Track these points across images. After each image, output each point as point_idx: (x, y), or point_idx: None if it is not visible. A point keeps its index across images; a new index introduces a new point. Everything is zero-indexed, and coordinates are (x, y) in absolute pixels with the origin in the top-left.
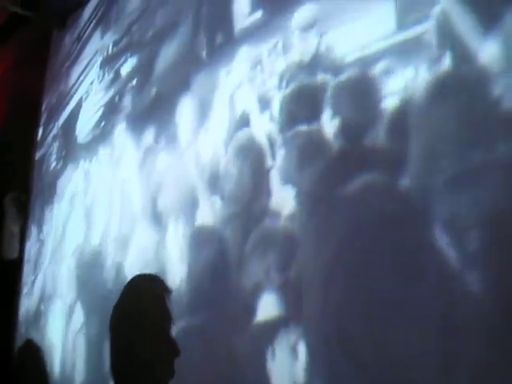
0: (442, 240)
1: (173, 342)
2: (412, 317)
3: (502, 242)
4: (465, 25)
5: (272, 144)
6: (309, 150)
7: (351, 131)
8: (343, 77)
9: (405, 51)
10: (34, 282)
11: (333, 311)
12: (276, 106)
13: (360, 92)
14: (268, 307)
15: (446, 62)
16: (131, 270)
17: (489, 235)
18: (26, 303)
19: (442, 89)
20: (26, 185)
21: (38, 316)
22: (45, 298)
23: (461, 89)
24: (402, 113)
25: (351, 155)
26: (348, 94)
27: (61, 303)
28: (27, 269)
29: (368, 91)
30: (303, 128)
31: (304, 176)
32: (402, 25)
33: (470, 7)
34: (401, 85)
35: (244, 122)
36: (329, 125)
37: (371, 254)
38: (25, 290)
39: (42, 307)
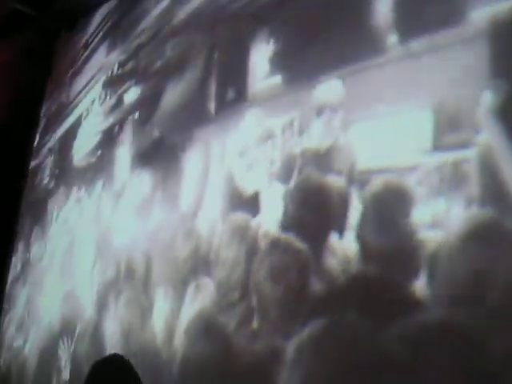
0: None
1: None
2: None
3: None
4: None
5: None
6: None
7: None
8: (368, 190)
9: (437, 177)
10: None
11: None
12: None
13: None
14: None
15: (486, 206)
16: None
17: None
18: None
19: (476, 237)
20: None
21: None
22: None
23: (500, 242)
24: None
25: None
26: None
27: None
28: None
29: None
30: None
31: None
32: (438, 145)
33: None
34: (428, 217)
35: (245, 201)
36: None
37: None
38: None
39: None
